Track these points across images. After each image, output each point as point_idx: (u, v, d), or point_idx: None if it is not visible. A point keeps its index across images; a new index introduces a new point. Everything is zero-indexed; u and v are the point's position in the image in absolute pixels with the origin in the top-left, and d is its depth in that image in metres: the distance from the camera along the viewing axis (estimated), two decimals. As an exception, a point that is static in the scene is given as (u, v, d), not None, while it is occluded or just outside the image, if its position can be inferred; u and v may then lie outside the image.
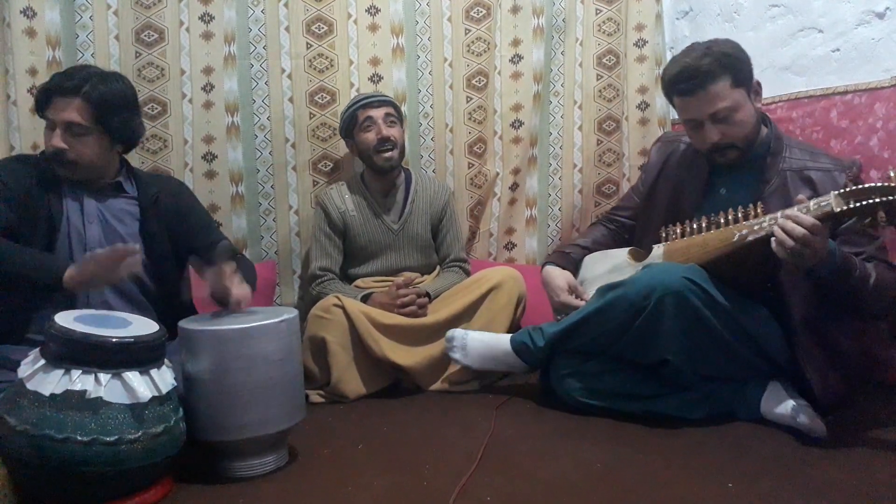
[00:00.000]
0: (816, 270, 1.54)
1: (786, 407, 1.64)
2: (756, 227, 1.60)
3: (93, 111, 1.70)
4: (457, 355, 2.00)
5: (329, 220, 2.34)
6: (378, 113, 2.29)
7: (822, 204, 1.47)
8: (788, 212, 1.51)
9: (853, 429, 1.65)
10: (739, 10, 2.52)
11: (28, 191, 1.70)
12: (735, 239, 1.64)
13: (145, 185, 1.86)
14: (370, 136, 2.29)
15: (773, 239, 1.50)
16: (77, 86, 1.68)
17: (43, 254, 1.66)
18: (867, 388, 1.84)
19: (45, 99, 1.70)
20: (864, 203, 1.39)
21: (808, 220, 1.45)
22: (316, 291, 2.29)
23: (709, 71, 1.71)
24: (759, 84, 1.81)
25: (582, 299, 1.98)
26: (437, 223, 2.45)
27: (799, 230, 1.45)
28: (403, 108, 2.51)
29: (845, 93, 2.07)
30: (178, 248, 1.87)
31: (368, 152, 2.30)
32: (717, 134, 1.76)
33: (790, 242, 1.46)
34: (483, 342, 2.00)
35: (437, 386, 2.12)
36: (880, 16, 1.99)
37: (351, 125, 2.33)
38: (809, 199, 1.55)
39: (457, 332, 2.03)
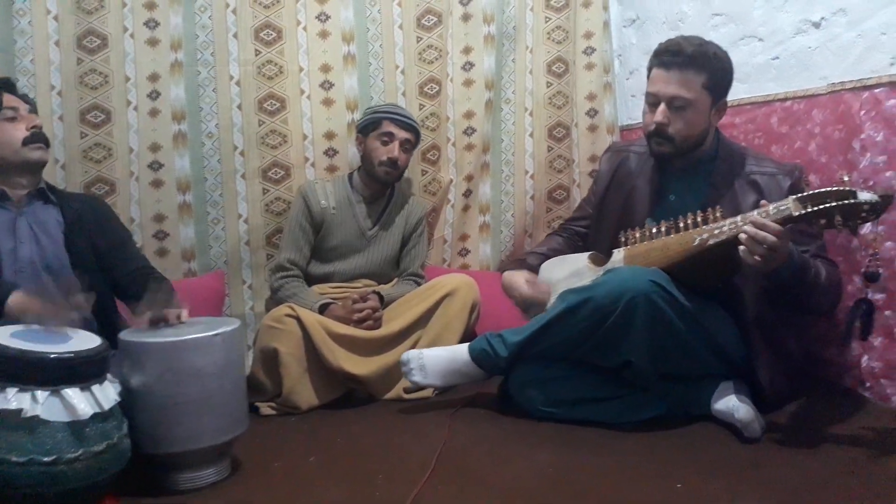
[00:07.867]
0: (779, 272, 1.57)
1: (728, 403, 1.68)
2: (716, 231, 1.63)
3: None
4: (416, 377, 1.91)
5: (309, 213, 2.34)
6: (401, 134, 2.31)
7: (782, 208, 1.50)
8: (752, 217, 1.53)
9: (799, 428, 1.69)
10: (684, 18, 2.58)
11: None
12: (696, 243, 1.66)
13: (66, 199, 1.86)
14: (382, 150, 2.30)
15: (741, 248, 1.52)
16: None
17: None
18: (809, 387, 1.89)
19: None
20: (821, 207, 1.43)
21: (775, 226, 1.48)
22: (278, 284, 2.28)
23: (692, 58, 1.74)
24: (725, 105, 1.85)
25: (543, 292, 1.97)
26: (408, 235, 2.46)
27: (770, 238, 1.48)
28: (355, 117, 2.51)
29: (784, 100, 2.13)
30: (103, 262, 1.86)
31: (373, 160, 2.32)
32: (664, 118, 1.78)
33: (760, 249, 1.49)
34: (441, 357, 1.92)
35: (391, 395, 2.10)
36: (816, 25, 2.05)
37: (370, 127, 2.34)
38: (757, 203, 1.60)
39: (411, 354, 1.93)
